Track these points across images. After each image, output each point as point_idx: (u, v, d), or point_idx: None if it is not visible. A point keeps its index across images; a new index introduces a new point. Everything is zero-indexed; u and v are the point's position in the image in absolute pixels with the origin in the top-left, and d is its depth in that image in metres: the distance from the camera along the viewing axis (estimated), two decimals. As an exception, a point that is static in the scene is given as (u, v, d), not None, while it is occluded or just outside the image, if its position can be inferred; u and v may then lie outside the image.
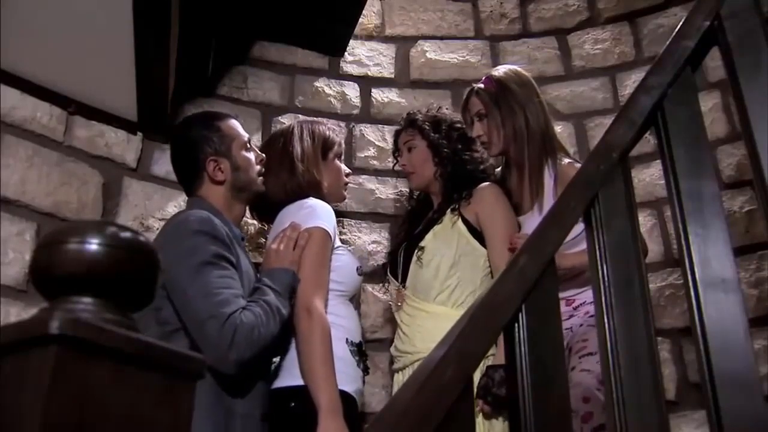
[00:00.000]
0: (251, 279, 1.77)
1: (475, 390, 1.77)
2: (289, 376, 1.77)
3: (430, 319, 1.96)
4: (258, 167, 1.91)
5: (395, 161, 2.35)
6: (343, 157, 2.24)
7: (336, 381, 1.71)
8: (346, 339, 1.86)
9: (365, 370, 1.93)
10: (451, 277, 2.00)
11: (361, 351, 1.91)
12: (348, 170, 2.21)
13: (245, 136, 1.91)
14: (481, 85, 2.15)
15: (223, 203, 1.83)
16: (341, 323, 1.87)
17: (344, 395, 1.74)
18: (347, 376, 1.79)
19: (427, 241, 2.06)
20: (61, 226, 0.64)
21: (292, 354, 1.79)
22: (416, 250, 2.07)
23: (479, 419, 1.78)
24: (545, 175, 2.05)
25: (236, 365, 1.56)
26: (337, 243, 1.99)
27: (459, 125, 2.23)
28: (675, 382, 2.33)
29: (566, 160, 2.09)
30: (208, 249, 1.60)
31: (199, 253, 1.59)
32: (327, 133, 2.13)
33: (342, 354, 1.81)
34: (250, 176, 1.88)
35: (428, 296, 2.01)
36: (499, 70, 2.20)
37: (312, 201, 1.94)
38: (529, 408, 0.97)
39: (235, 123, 1.92)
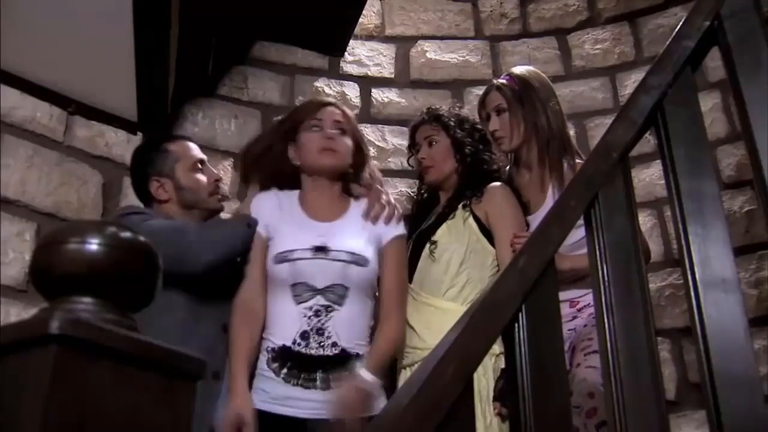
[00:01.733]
0: None
1: (488, 393, 1.79)
2: None
3: (439, 315, 1.94)
4: (212, 187, 1.97)
5: (410, 154, 2.35)
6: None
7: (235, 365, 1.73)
8: (267, 347, 1.77)
9: (296, 373, 1.72)
10: (461, 274, 2.00)
11: (286, 355, 1.72)
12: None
13: (196, 157, 1.97)
14: (504, 81, 2.17)
15: (177, 216, 1.91)
16: (266, 325, 1.81)
17: (263, 415, 1.67)
18: (262, 393, 1.72)
19: (440, 235, 2.06)
20: (61, 226, 0.64)
21: None
22: (428, 244, 2.06)
23: (478, 420, 1.78)
24: (564, 174, 2.06)
25: (208, 267, 1.74)
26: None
27: (479, 126, 2.24)
28: (675, 382, 2.33)
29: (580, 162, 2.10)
30: (143, 216, 1.82)
31: (137, 220, 1.78)
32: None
33: (258, 366, 1.77)
34: (198, 196, 1.94)
35: (437, 291, 2.00)
36: (521, 69, 2.23)
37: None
38: (529, 408, 0.96)
39: (187, 144, 1.99)
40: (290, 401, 1.69)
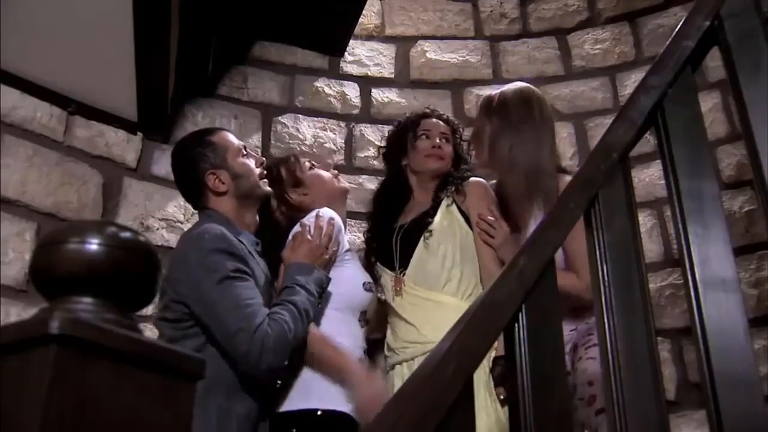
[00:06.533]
0: (267, 282, 1.85)
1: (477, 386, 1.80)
2: (293, 400, 1.78)
3: (440, 310, 1.94)
4: (259, 170, 1.93)
5: (405, 133, 2.24)
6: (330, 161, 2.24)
7: (338, 352, 1.80)
8: None
9: None
10: (456, 267, 2.01)
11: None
12: (334, 172, 2.20)
13: (239, 143, 1.93)
14: (491, 93, 2.17)
15: (233, 214, 1.86)
16: (340, 340, 1.85)
17: (341, 416, 1.75)
18: (344, 396, 1.78)
19: (435, 225, 2.06)
20: (61, 226, 0.64)
21: (300, 376, 1.81)
22: (425, 233, 2.06)
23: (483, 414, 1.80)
24: (533, 215, 1.95)
25: (267, 373, 1.64)
26: (348, 255, 1.99)
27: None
28: (675, 382, 2.33)
29: None
30: (227, 265, 1.66)
31: (220, 270, 1.65)
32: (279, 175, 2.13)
33: None
34: (251, 181, 1.90)
35: (435, 285, 2.00)
36: (512, 87, 2.16)
37: (318, 210, 1.95)
38: (529, 408, 0.96)
39: (226, 134, 1.95)
40: None
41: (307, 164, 2.13)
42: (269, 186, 1.97)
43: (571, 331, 1.92)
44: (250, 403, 1.68)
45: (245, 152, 1.93)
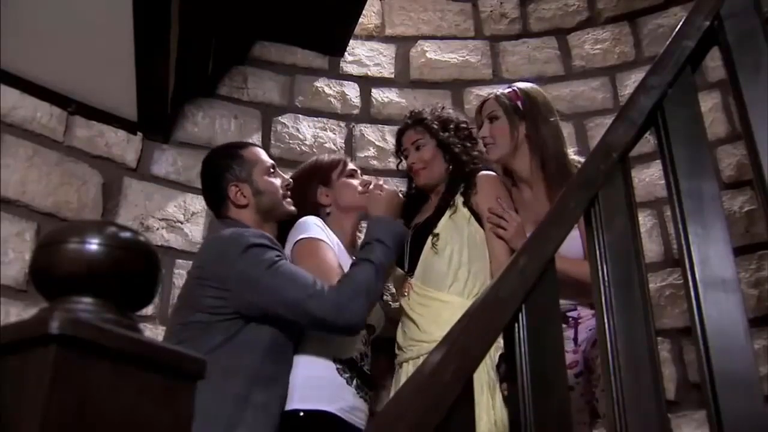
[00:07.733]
0: None
1: (477, 386, 1.80)
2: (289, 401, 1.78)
3: (446, 309, 1.95)
4: (282, 191, 1.96)
5: (399, 160, 2.35)
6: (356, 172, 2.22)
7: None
8: (333, 357, 1.85)
9: (361, 386, 1.89)
10: (463, 267, 2.01)
11: (353, 367, 1.88)
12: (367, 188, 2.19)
13: (268, 162, 1.97)
14: (504, 92, 2.16)
15: (253, 225, 1.88)
16: (327, 341, 1.85)
17: (324, 415, 1.75)
18: (330, 395, 1.79)
19: (441, 227, 2.07)
20: (61, 226, 0.64)
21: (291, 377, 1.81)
22: (431, 237, 2.07)
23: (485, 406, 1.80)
24: None
25: (347, 327, 1.70)
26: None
27: (464, 125, 2.25)
28: (675, 382, 2.33)
29: None
30: (269, 253, 1.71)
31: (265, 259, 1.69)
32: (320, 164, 2.20)
33: (324, 373, 1.82)
34: (274, 199, 1.93)
35: (442, 285, 2.01)
36: (526, 84, 2.21)
37: (301, 219, 1.98)
38: (529, 408, 0.96)
39: (257, 150, 1.99)
40: (356, 412, 1.83)
41: (349, 170, 2.17)
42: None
43: (589, 330, 1.92)
44: (271, 393, 1.68)
45: (273, 171, 1.96)
